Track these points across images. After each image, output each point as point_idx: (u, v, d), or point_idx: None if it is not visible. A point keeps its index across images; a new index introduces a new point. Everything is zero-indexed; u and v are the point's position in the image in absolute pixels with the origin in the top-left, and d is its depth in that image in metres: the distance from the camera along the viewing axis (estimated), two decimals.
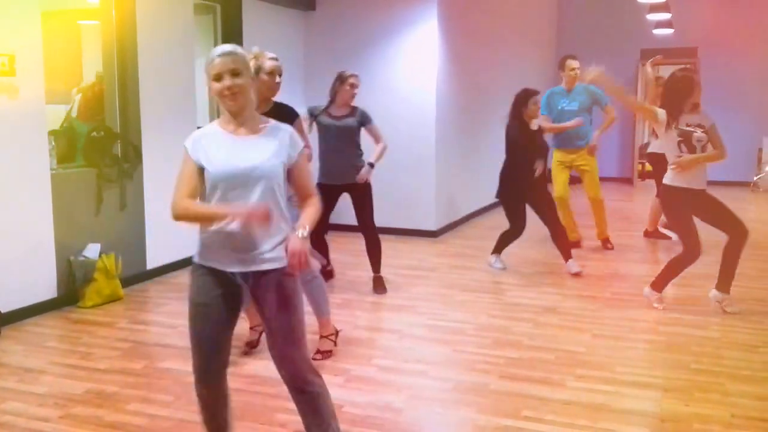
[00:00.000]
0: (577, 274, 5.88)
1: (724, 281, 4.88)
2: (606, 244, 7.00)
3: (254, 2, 7.07)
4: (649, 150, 7.49)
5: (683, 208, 4.80)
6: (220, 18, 6.84)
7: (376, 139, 5.36)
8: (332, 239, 6.02)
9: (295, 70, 7.76)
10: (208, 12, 6.80)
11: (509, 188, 5.98)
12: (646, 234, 7.60)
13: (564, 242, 6.06)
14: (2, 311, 4.55)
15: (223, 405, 2.66)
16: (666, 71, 6.00)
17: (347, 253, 5.49)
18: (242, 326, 3.95)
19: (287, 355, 2.49)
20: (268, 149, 2.45)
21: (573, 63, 6.83)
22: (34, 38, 4.78)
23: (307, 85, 7.93)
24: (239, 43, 6.25)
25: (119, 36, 5.55)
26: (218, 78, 2.39)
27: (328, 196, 5.06)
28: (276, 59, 3.99)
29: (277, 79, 3.98)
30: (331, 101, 5.36)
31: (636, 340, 4.45)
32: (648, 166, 12.91)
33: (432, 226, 7.72)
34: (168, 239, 5.82)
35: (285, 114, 3.84)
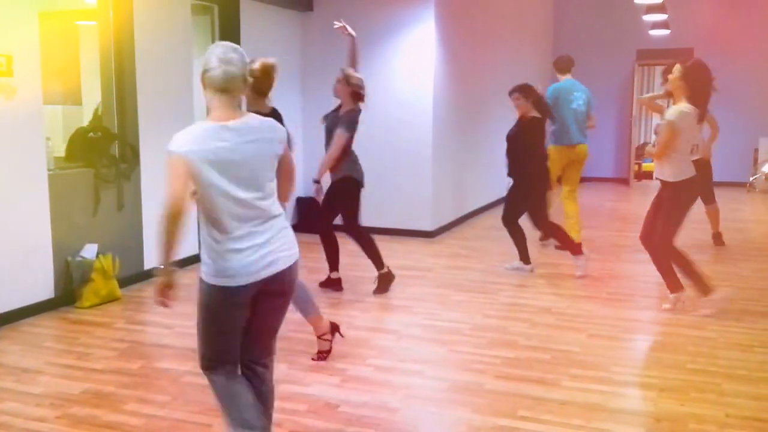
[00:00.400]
0: (582, 277, 5.90)
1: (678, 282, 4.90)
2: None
3: (252, 3, 7.08)
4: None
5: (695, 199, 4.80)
6: (218, 19, 6.84)
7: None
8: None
9: (293, 70, 7.78)
10: (205, 13, 6.81)
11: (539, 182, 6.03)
12: (716, 239, 7.06)
13: (566, 236, 6.08)
14: None
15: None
16: (657, 71, 6.02)
17: (343, 254, 5.49)
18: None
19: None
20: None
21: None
22: (31, 39, 4.78)
23: (304, 86, 7.94)
24: (236, 44, 6.23)
25: (117, 37, 5.56)
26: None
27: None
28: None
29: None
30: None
31: (632, 340, 4.47)
32: (645, 167, 13.04)
33: (428, 227, 7.73)
34: None
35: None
